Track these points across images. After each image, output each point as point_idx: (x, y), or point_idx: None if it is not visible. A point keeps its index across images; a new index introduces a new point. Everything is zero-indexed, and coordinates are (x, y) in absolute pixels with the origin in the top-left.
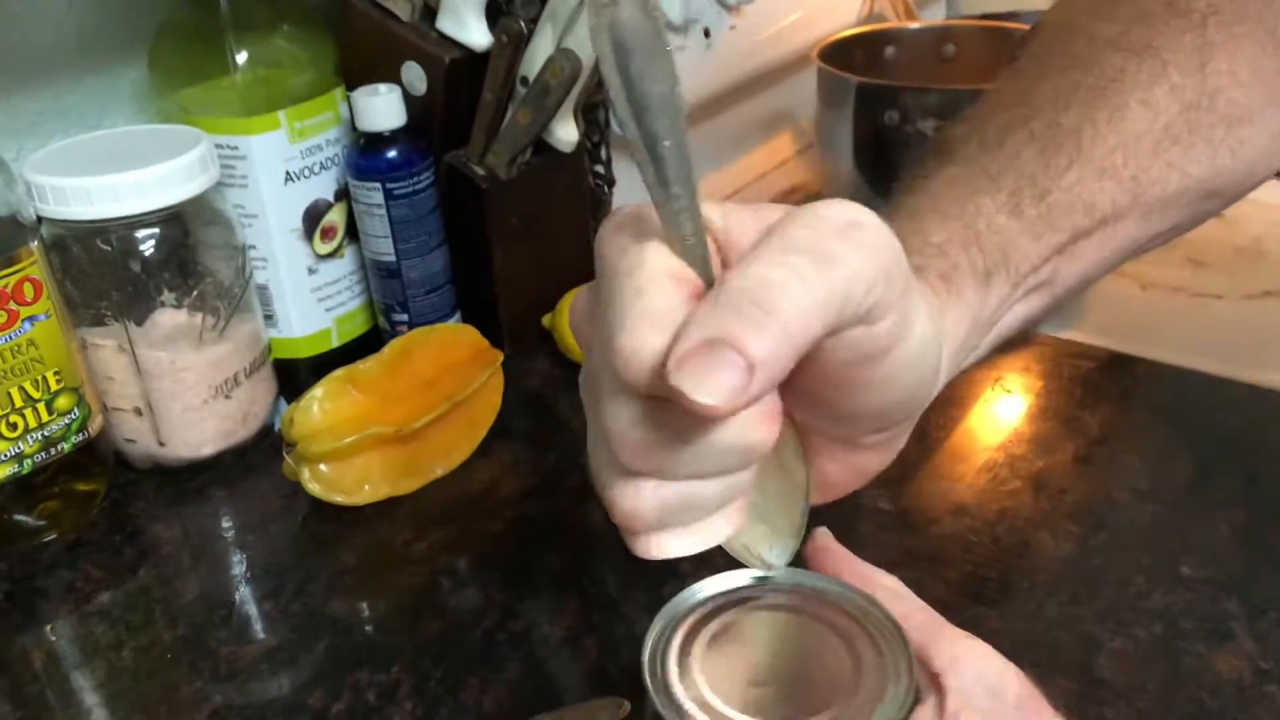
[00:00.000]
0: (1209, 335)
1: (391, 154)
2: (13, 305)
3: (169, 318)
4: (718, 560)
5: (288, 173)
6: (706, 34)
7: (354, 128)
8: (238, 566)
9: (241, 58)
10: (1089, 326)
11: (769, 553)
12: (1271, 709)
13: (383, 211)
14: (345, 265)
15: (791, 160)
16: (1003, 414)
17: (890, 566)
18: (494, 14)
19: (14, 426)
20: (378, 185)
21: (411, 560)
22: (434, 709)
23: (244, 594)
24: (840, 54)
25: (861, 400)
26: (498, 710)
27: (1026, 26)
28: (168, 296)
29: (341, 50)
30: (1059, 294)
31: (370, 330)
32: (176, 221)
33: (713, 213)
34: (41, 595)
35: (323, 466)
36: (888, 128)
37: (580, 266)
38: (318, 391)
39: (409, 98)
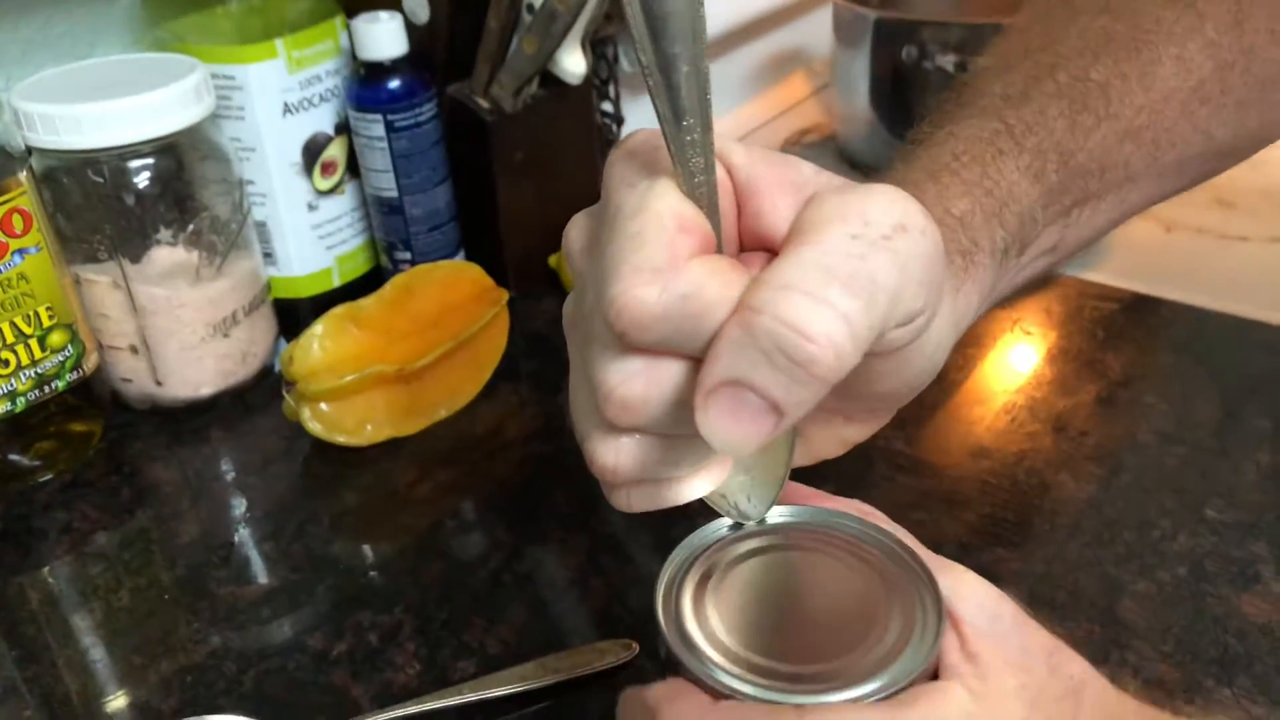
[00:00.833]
0: (1235, 277)
1: (393, 84)
2: (2, 237)
3: (165, 254)
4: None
5: (286, 104)
6: None
7: (354, 57)
8: (237, 508)
9: None
10: (1112, 268)
11: (747, 503)
12: None
13: (384, 144)
14: (346, 202)
15: (805, 101)
16: (1022, 356)
17: (906, 508)
18: None
19: (6, 363)
20: (379, 117)
21: (415, 501)
22: (437, 650)
23: (243, 535)
24: None
25: (865, 384)
26: (503, 652)
27: None
28: (163, 233)
29: None
30: (1060, 257)
31: (373, 269)
32: (171, 153)
33: (734, 153)
34: (38, 535)
35: (324, 406)
36: (906, 65)
37: (588, 205)
38: (318, 329)
39: (411, 26)
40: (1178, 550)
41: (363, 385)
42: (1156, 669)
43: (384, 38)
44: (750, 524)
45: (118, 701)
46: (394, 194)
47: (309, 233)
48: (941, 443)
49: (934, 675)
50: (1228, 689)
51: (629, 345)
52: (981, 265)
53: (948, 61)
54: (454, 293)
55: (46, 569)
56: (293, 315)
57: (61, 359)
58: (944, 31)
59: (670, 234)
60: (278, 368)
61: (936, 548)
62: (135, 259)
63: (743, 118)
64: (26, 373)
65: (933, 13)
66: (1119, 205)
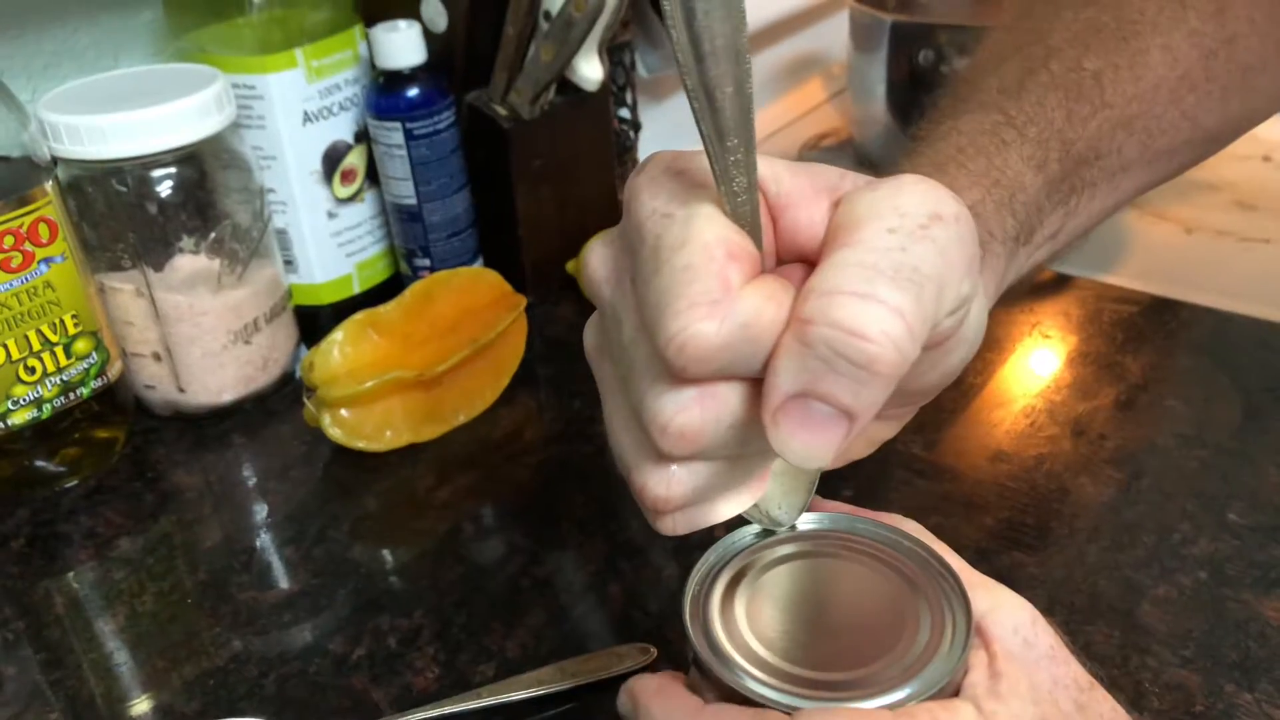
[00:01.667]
0: (1256, 279)
1: (411, 92)
2: (28, 246)
3: (187, 262)
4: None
5: (306, 113)
6: None
7: (373, 66)
8: (259, 513)
9: None
10: (1131, 271)
11: (778, 511)
12: None
13: (403, 152)
14: (366, 209)
15: (822, 106)
16: (1042, 360)
17: (925, 513)
18: None
19: (32, 370)
20: (398, 125)
21: (434, 506)
22: (456, 654)
23: (265, 540)
24: None
25: (909, 378)
26: (521, 655)
27: None
28: (186, 241)
29: None
30: (1060, 244)
31: (392, 277)
32: (193, 162)
33: (768, 172)
34: (63, 540)
35: (344, 412)
36: (922, 68)
37: (605, 212)
38: (338, 335)
39: (429, 34)
40: (1198, 554)
41: (382, 391)
42: (1177, 674)
43: (402, 46)
44: (781, 530)
45: (141, 705)
46: (413, 201)
47: (329, 240)
48: (960, 447)
49: (957, 691)
50: (1249, 694)
51: (688, 378)
52: (995, 254)
53: (964, 65)
54: (473, 299)
55: (71, 574)
56: (313, 322)
57: (86, 366)
58: (960, 35)
59: (721, 264)
60: (298, 374)
61: (954, 552)
62: (158, 267)
63: (760, 123)
64: (52, 380)
65: (949, 16)
66: (1113, 193)
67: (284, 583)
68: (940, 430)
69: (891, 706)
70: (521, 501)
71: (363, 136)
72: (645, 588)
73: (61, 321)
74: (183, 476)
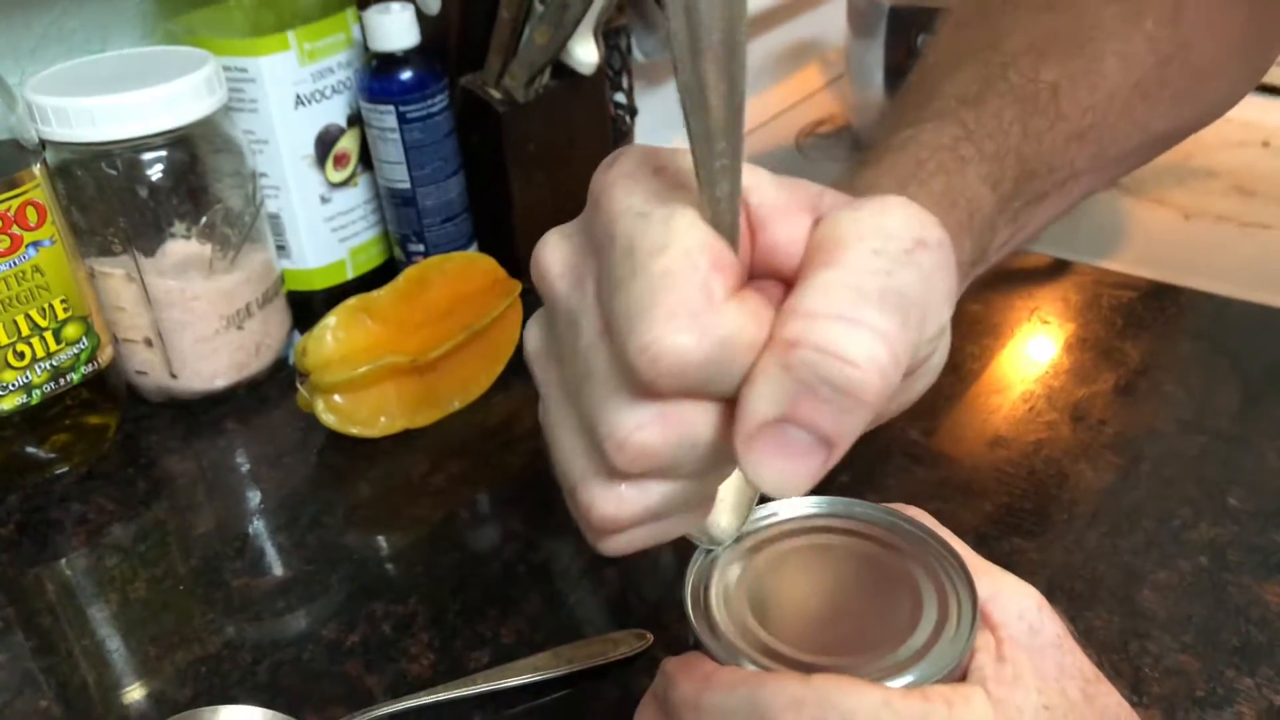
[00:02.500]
0: (1255, 264)
1: (405, 75)
2: (16, 230)
3: (179, 247)
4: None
5: (298, 96)
6: None
7: (366, 49)
8: (252, 499)
9: None
10: (1130, 257)
11: (716, 530)
12: None
13: (396, 136)
14: (359, 194)
15: (819, 92)
16: (1040, 345)
17: (923, 499)
18: None
19: (21, 356)
20: (391, 108)
21: (429, 493)
22: (451, 641)
23: (258, 527)
24: None
25: None
26: (516, 642)
27: None
28: (177, 226)
29: None
30: (1003, 256)
31: (386, 262)
32: (184, 145)
33: (750, 182)
34: (54, 527)
35: (337, 397)
36: (921, 53)
37: None
38: (331, 320)
39: (423, 17)
40: (1198, 539)
41: (376, 377)
42: (1177, 659)
43: (396, 28)
44: (717, 550)
45: (134, 692)
46: (406, 186)
47: (322, 225)
48: (958, 433)
49: (964, 676)
50: (1249, 678)
51: (655, 392)
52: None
53: (920, 63)
54: (467, 284)
55: (63, 561)
56: (306, 308)
57: (76, 352)
58: None
59: (704, 273)
60: (292, 360)
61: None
62: (149, 252)
63: (756, 110)
64: (42, 365)
65: (948, 0)
66: (1062, 201)
67: (277, 569)
68: (938, 416)
69: None
70: (517, 487)
71: (356, 120)
72: (641, 574)
73: (51, 306)
74: (175, 463)
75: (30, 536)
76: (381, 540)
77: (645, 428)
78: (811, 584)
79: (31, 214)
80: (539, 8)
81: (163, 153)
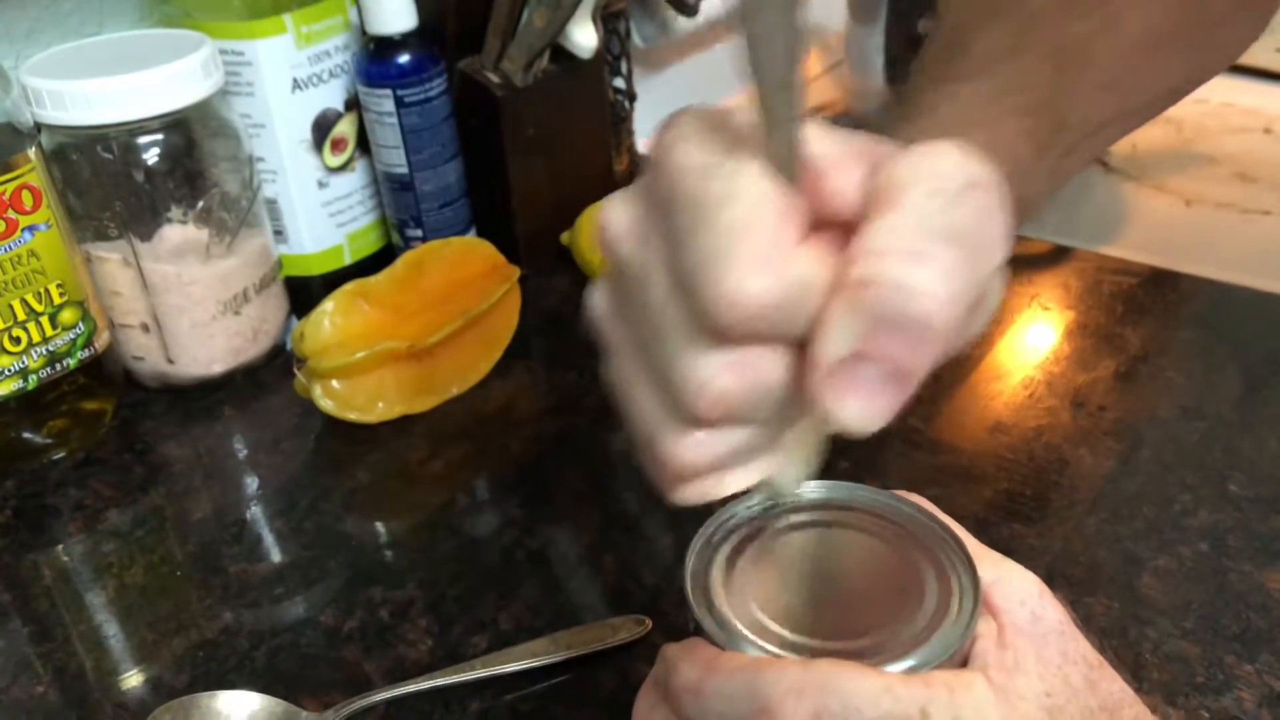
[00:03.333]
0: (1256, 251)
1: (402, 59)
2: (11, 214)
3: (175, 232)
4: None
5: (295, 80)
6: None
7: (363, 32)
8: (249, 485)
9: None
10: (1130, 243)
11: (784, 480)
12: None
13: (394, 120)
14: (357, 179)
15: (818, 78)
16: (1040, 332)
17: (923, 485)
18: None
19: (17, 341)
20: (388, 92)
21: (427, 479)
22: (449, 626)
23: (255, 512)
24: None
25: None
26: (515, 628)
27: None
28: (174, 210)
29: None
30: (1033, 212)
31: (384, 248)
32: (180, 129)
33: (808, 134)
34: (51, 513)
35: (335, 383)
36: (922, 39)
37: (601, 183)
38: (328, 305)
39: (420, 0)
40: (1199, 525)
41: (374, 362)
42: (1177, 645)
43: (393, 11)
44: (783, 500)
45: (131, 678)
46: (404, 170)
47: (319, 210)
48: (958, 419)
49: (965, 662)
50: (1250, 665)
51: (730, 338)
52: None
53: (941, 23)
54: (465, 269)
55: (60, 547)
56: (304, 293)
57: (73, 336)
58: None
59: (774, 221)
60: (289, 345)
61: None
62: (145, 236)
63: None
64: (38, 350)
65: None
66: (1087, 155)
67: (275, 555)
68: (938, 402)
69: None
70: (515, 473)
71: (353, 104)
72: (640, 559)
73: (46, 291)
74: (172, 449)
75: (27, 522)
76: (379, 526)
77: (722, 374)
78: (812, 569)
79: (27, 198)
80: None
81: (159, 136)
